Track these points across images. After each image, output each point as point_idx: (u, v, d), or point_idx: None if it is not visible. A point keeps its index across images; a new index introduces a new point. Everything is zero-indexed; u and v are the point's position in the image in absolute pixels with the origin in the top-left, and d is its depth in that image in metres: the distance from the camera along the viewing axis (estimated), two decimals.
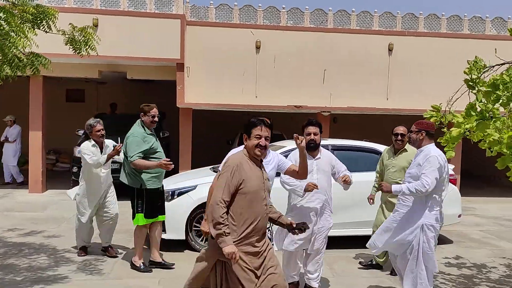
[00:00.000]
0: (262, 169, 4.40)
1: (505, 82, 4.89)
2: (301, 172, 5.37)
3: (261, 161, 4.44)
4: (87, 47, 6.64)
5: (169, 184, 8.13)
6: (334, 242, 7.86)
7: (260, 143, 4.25)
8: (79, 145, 12.60)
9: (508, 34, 5.87)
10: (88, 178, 7.33)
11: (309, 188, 5.64)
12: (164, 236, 7.58)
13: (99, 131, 7.32)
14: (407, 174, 5.58)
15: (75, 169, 12.53)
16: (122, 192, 7.23)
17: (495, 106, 5.10)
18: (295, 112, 13.85)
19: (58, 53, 9.00)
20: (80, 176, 7.49)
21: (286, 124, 15.19)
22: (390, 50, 13.94)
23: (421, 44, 14.07)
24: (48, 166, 15.88)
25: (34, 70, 6.36)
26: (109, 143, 7.49)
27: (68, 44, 6.65)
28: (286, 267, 6.06)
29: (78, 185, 7.59)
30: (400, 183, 5.80)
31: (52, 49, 8.16)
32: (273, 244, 6.01)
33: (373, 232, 7.16)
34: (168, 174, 7.45)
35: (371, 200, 7.22)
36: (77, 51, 6.65)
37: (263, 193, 4.28)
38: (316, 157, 6.01)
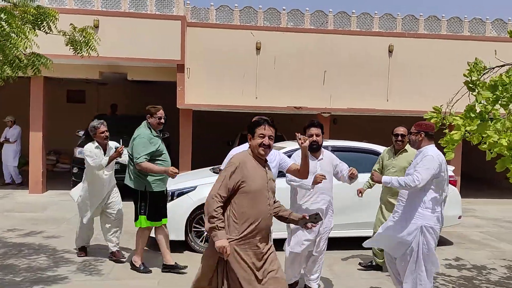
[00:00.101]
0: (267, 168, 4.40)
1: (504, 83, 4.89)
2: (302, 171, 5.39)
3: (266, 161, 4.45)
4: (88, 47, 6.64)
5: (169, 184, 8.09)
6: (334, 243, 7.86)
7: (264, 142, 4.28)
8: (79, 145, 12.88)
9: (508, 36, 5.87)
10: (91, 180, 7.29)
11: (318, 180, 5.62)
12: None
13: (103, 132, 7.25)
14: (406, 174, 5.58)
15: (75, 170, 12.55)
16: (126, 193, 7.20)
17: (495, 107, 5.11)
18: (295, 113, 13.86)
19: (59, 54, 8.99)
20: (83, 177, 7.45)
21: (286, 125, 15.13)
22: (390, 51, 13.95)
23: (421, 46, 14.09)
24: (48, 167, 15.90)
25: (35, 70, 6.37)
26: (112, 145, 7.41)
27: (69, 45, 6.65)
28: (290, 268, 6.04)
29: (79, 184, 7.56)
30: None
31: (53, 50, 8.15)
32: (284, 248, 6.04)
33: (374, 234, 7.19)
34: None
35: (360, 194, 7.06)
36: (78, 52, 6.65)
37: (267, 193, 4.29)
38: (319, 158, 6.02)
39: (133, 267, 6.96)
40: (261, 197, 4.24)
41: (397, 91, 14.01)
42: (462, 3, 42.10)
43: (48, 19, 6.31)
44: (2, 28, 5.76)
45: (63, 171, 17.40)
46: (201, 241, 7.99)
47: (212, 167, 9.41)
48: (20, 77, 7.30)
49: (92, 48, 6.70)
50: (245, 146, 5.74)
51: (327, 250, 6.23)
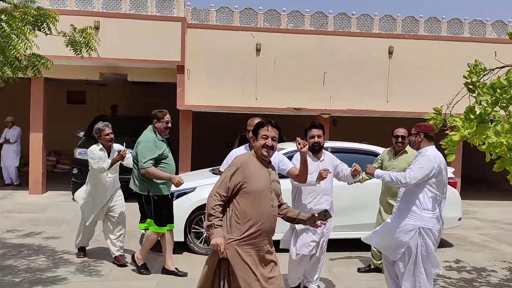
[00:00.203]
0: (270, 170, 4.41)
1: (503, 85, 4.89)
2: (300, 175, 5.40)
3: (270, 162, 4.45)
4: (88, 48, 6.63)
5: None
6: (333, 245, 7.85)
7: (267, 143, 4.29)
8: (79, 146, 12.86)
9: (508, 37, 5.86)
10: (94, 182, 7.22)
11: (323, 175, 5.61)
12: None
13: (108, 134, 7.17)
14: None
15: (75, 171, 12.52)
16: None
17: (495, 109, 5.10)
18: (295, 114, 13.87)
19: (60, 55, 9.01)
20: (87, 179, 7.39)
21: (286, 126, 15.05)
22: (390, 53, 13.96)
23: (421, 47, 14.09)
24: (48, 168, 15.92)
25: (35, 71, 6.37)
26: (116, 147, 7.32)
27: (69, 46, 6.64)
28: (295, 271, 6.01)
29: (83, 187, 7.53)
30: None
31: (53, 51, 8.17)
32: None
33: None
34: None
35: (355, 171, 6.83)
36: (78, 53, 6.64)
37: (269, 194, 4.28)
38: (320, 159, 6.01)
39: (134, 262, 6.95)
40: (264, 198, 4.24)
41: (397, 93, 14.02)
42: (462, 5, 42.14)
43: (48, 21, 6.30)
44: (3, 29, 5.76)
45: (63, 172, 17.41)
46: (200, 242, 7.99)
47: (211, 168, 9.40)
48: (21, 78, 7.29)
49: (93, 48, 6.69)
50: (244, 148, 5.77)
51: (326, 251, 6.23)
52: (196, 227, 7.99)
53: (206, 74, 13.40)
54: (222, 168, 5.78)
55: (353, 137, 11.22)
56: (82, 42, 6.58)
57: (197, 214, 7.93)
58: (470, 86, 5.31)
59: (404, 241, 5.30)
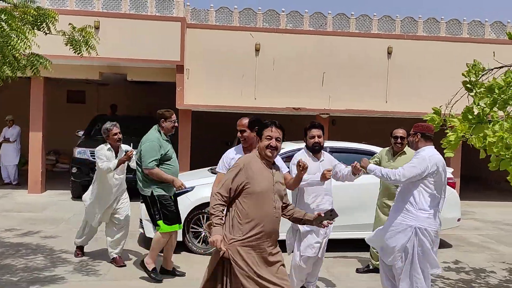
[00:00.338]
0: (274, 171, 4.41)
1: (500, 86, 4.89)
2: (290, 185, 5.55)
3: (274, 163, 4.47)
4: (87, 47, 6.63)
5: None
6: (331, 245, 7.84)
7: (271, 144, 4.31)
8: (79, 146, 12.86)
9: (507, 38, 5.85)
10: (101, 182, 7.17)
11: (326, 175, 5.62)
12: None
13: (116, 134, 7.12)
14: None
15: (74, 170, 12.53)
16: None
17: (493, 110, 5.10)
18: (294, 114, 13.87)
19: (59, 55, 9.02)
20: (94, 179, 7.35)
21: (285, 126, 14.95)
22: (389, 53, 13.97)
23: (420, 48, 14.10)
24: (48, 167, 15.91)
25: (34, 71, 6.37)
26: (124, 148, 7.27)
27: (68, 45, 6.64)
28: (298, 274, 5.94)
29: (90, 187, 7.48)
30: (398, 185, 5.78)
31: (53, 50, 8.16)
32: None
33: None
34: None
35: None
36: (77, 52, 6.64)
37: (272, 195, 4.28)
38: (320, 159, 6.01)
39: (144, 267, 6.68)
40: (266, 199, 4.24)
41: (396, 93, 14.02)
42: (462, 5, 42.13)
43: (47, 20, 6.31)
44: (2, 29, 5.76)
45: (63, 171, 17.39)
46: (199, 242, 7.99)
47: (210, 167, 9.40)
48: (21, 78, 7.29)
49: (92, 47, 6.69)
50: (235, 149, 5.78)
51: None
52: (195, 226, 7.99)
53: (205, 74, 13.41)
54: (218, 168, 5.78)
55: (352, 137, 11.21)
56: (81, 40, 6.58)
57: (196, 214, 7.93)
58: (468, 85, 5.31)
59: (401, 242, 5.29)
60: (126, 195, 7.46)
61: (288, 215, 4.56)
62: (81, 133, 13.82)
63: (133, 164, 7.06)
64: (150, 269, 6.62)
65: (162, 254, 6.88)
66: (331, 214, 4.46)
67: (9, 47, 5.73)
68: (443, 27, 14.37)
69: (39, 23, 6.22)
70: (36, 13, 6.18)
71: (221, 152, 5.92)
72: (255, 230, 4.17)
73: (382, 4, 42.26)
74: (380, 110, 13.85)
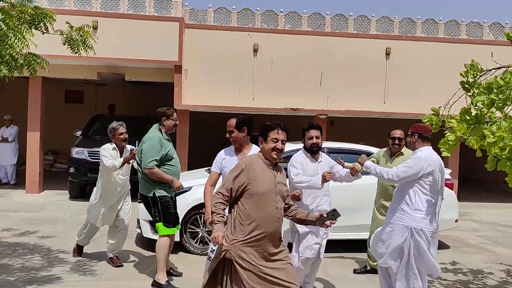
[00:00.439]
0: (276, 172, 4.41)
1: (499, 85, 4.89)
2: None
3: (276, 164, 4.48)
4: (85, 46, 6.61)
5: None
6: (329, 245, 7.83)
7: (277, 146, 4.33)
8: (76, 145, 12.85)
9: (505, 39, 5.84)
10: (105, 181, 7.11)
11: (327, 178, 5.63)
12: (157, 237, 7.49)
13: (122, 134, 7.09)
14: None
15: (72, 170, 12.52)
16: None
17: (490, 110, 5.10)
18: (292, 115, 13.86)
19: (58, 55, 9.01)
20: (98, 178, 7.27)
21: None
22: (387, 54, 13.97)
23: (418, 49, 14.10)
24: (46, 167, 15.87)
25: (31, 71, 6.35)
26: (130, 148, 7.22)
27: (66, 44, 6.63)
28: (297, 274, 5.90)
29: (94, 188, 7.43)
30: (395, 186, 5.78)
31: (52, 50, 8.16)
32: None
33: (369, 237, 7.17)
34: None
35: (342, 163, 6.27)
36: (75, 51, 6.62)
37: (274, 196, 4.29)
38: (318, 160, 6.00)
39: (157, 285, 6.38)
40: (268, 200, 4.25)
41: (394, 94, 14.02)
42: (460, 6, 42.17)
43: (45, 20, 6.30)
44: (0, 28, 5.75)
45: (60, 171, 17.38)
46: (196, 242, 7.98)
47: (208, 168, 9.36)
48: (19, 77, 7.27)
49: (90, 46, 6.67)
50: (224, 151, 5.80)
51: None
52: (192, 227, 7.98)
53: (203, 74, 13.40)
54: (213, 168, 5.80)
55: (350, 138, 11.20)
56: (79, 40, 6.56)
57: (193, 214, 7.92)
58: (466, 86, 5.30)
59: (397, 242, 5.29)
60: (129, 197, 7.43)
61: (291, 215, 4.58)
62: (79, 133, 13.80)
63: (134, 164, 7.02)
64: (163, 283, 6.36)
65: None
66: (333, 214, 4.48)
67: (6, 46, 5.71)
68: (441, 28, 14.37)
69: (36, 23, 6.20)
70: (33, 12, 6.16)
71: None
72: (257, 231, 4.17)
73: (380, 5, 42.31)
74: (378, 111, 13.86)
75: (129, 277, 6.77)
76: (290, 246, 5.89)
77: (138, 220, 8.16)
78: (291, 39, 13.74)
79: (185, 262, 7.44)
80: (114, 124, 7.15)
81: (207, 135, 17.31)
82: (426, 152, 5.34)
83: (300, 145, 6.15)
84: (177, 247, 7.93)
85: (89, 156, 12.51)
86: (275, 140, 4.33)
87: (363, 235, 7.73)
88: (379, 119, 14.78)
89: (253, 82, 13.52)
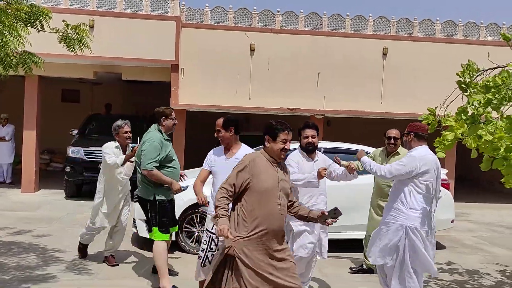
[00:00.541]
0: (279, 169, 4.48)
1: (497, 84, 4.88)
2: None
3: (279, 162, 4.54)
4: (81, 44, 6.59)
5: None
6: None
7: (286, 147, 4.45)
8: (72, 145, 12.82)
9: (501, 39, 5.84)
10: (107, 179, 7.05)
11: (322, 174, 5.65)
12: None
13: (126, 132, 7.04)
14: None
15: (68, 169, 12.49)
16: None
17: (486, 110, 5.09)
18: (288, 114, 13.84)
19: (54, 53, 8.97)
20: (99, 177, 7.19)
21: None
22: (384, 54, 13.96)
23: (415, 49, 14.10)
24: (42, 166, 15.85)
25: (26, 69, 6.32)
26: (131, 146, 7.16)
27: (62, 42, 6.60)
28: None
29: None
30: (391, 185, 5.78)
31: (48, 49, 8.13)
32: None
33: (365, 237, 7.17)
34: None
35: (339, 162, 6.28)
36: (71, 49, 6.60)
37: (277, 193, 4.36)
38: (314, 159, 6.00)
39: None
40: (271, 196, 4.31)
41: (391, 94, 14.02)
42: (459, 5, 42.23)
43: (41, 18, 6.28)
44: None
45: (57, 171, 17.33)
46: (192, 242, 7.96)
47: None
48: (16, 76, 7.23)
49: (86, 45, 6.64)
50: (213, 151, 5.83)
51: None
52: (188, 226, 7.97)
53: (200, 73, 13.38)
54: (203, 166, 5.85)
55: (346, 138, 11.19)
56: (75, 38, 6.54)
57: (189, 213, 7.91)
58: (463, 86, 5.30)
59: (393, 241, 5.29)
60: (129, 197, 7.39)
61: (293, 212, 4.66)
62: (75, 132, 13.77)
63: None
64: None
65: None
66: (335, 213, 4.53)
67: (1, 43, 5.69)
68: (439, 28, 14.38)
69: (32, 20, 6.18)
70: (29, 10, 6.14)
71: None
72: (260, 228, 4.23)
73: (379, 5, 42.35)
74: (375, 111, 13.86)
75: (125, 277, 6.75)
76: None
77: (134, 219, 8.14)
78: (288, 38, 13.72)
79: (181, 261, 7.43)
80: (119, 122, 7.11)
81: (203, 134, 17.24)
82: (421, 151, 5.35)
83: (297, 145, 6.14)
84: (173, 246, 7.91)
85: (85, 155, 12.50)
86: (284, 140, 4.44)
87: (360, 235, 7.72)
88: (376, 119, 14.78)
89: (249, 82, 13.50)
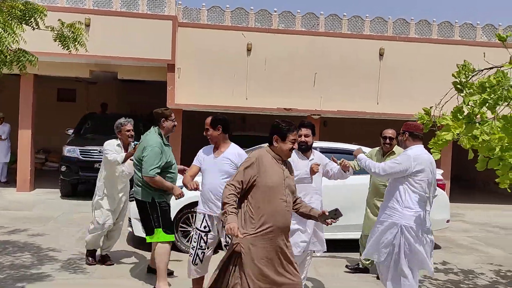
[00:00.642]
0: (284, 166, 4.56)
1: (492, 84, 4.89)
2: None
3: (284, 160, 4.62)
4: (76, 43, 6.56)
5: None
6: None
7: (294, 147, 4.58)
8: (68, 144, 12.79)
9: (497, 40, 5.84)
10: (108, 177, 6.98)
11: (314, 169, 5.68)
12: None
13: (128, 131, 6.99)
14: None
15: (63, 168, 12.46)
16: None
17: (482, 110, 5.09)
18: (285, 114, 13.83)
19: (50, 52, 8.93)
20: (99, 176, 7.12)
21: None
22: (381, 54, 13.97)
23: (412, 49, 14.11)
24: (37, 165, 15.82)
25: (20, 67, 6.29)
26: (133, 144, 6.98)
27: (57, 41, 6.57)
28: None
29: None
30: (387, 185, 5.78)
31: (44, 47, 8.11)
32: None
33: (361, 236, 7.17)
34: None
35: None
36: (66, 48, 6.57)
37: (283, 190, 4.42)
38: (310, 158, 5.99)
39: None
40: (277, 193, 4.37)
41: (387, 94, 14.03)
42: (455, 6, 42.31)
43: (36, 15, 6.25)
44: None
45: (52, 170, 17.28)
46: (188, 241, 7.94)
47: None
48: (11, 75, 7.19)
49: (81, 43, 6.62)
50: (203, 150, 5.93)
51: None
52: (184, 225, 7.95)
53: (196, 73, 13.36)
54: (194, 162, 5.90)
55: (343, 139, 11.20)
56: (70, 37, 6.52)
57: (185, 213, 7.89)
58: (459, 86, 5.30)
59: (387, 239, 5.30)
60: (127, 198, 7.32)
61: (295, 208, 4.72)
62: (70, 131, 13.74)
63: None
64: None
65: (150, 253, 6.81)
66: (335, 214, 4.60)
67: None
68: (435, 29, 14.41)
69: (27, 18, 6.15)
70: (24, 8, 6.12)
71: None
72: (267, 224, 4.28)
73: (375, 5, 42.41)
74: (372, 111, 13.87)
75: (120, 276, 6.73)
76: None
77: (129, 218, 8.11)
78: (285, 38, 13.72)
79: (177, 261, 7.41)
80: (122, 120, 7.08)
81: (200, 134, 17.20)
82: (416, 150, 5.36)
83: None
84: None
85: (80, 154, 12.47)
86: (293, 141, 4.54)
87: (356, 235, 7.71)
88: (372, 119, 14.78)
89: (246, 82, 13.50)
